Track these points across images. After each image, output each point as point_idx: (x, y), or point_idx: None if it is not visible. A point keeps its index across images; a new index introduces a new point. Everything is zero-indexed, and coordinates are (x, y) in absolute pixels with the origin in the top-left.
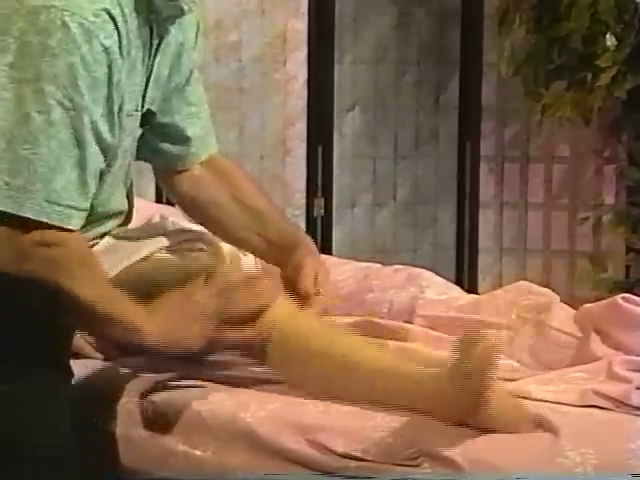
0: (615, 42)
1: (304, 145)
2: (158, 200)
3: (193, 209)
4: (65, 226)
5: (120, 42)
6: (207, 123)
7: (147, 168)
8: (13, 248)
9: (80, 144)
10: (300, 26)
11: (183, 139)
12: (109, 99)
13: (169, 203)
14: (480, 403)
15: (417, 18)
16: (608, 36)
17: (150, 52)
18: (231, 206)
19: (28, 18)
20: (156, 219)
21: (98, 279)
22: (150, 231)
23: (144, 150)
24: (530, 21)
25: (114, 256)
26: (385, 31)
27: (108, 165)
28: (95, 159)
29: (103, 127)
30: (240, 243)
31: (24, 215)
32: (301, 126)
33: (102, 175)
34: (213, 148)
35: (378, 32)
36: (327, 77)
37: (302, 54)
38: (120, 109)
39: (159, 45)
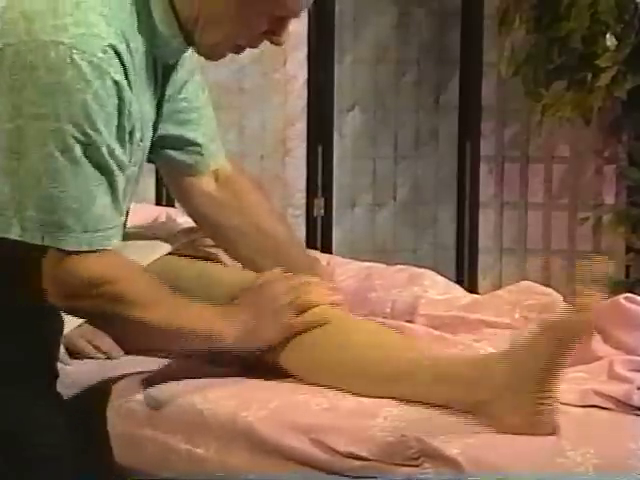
0: (615, 42)
1: (304, 145)
2: (158, 201)
3: (207, 228)
4: (107, 248)
5: (127, 76)
6: (211, 131)
7: (147, 169)
8: (63, 285)
9: (104, 171)
10: (300, 26)
11: (183, 144)
12: (120, 128)
13: (169, 205)
14: (547, 386)
15: (417, 18)
16: (608, 36)
17: (157, 82)
18: (247, 230)
19: (38, 53)
20: (162, 219)
21: (158, 297)
22: (159, 231)
23: (150, 156)
24: (530, 21)
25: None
26: (385, 31)
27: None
28: (120, 180)
29: (120, 154)
30: (254, 267)
31: (65, 249)
32: (301, 126)
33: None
34: (220, 158)
35: (378, 32)
36: (327, 77)
37: (302, 54)
38: (130, 138)
39: (165, 73)
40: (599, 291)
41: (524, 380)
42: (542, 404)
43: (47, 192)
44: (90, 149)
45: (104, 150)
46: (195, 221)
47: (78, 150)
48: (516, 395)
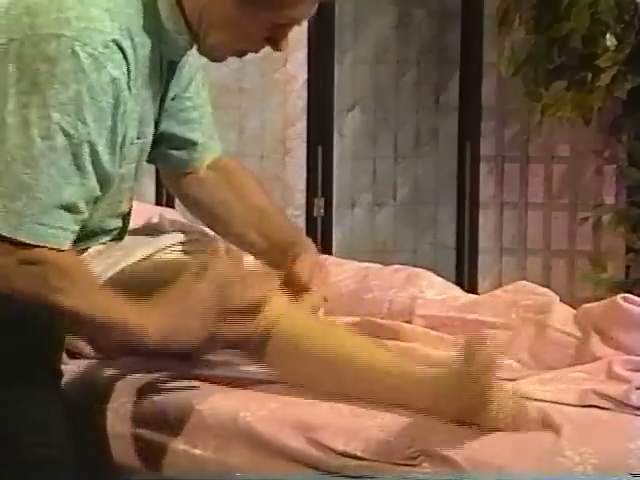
0: (615, 42)
1: (304, 145)
2: (158, 202)
3: (197, 209)
4: (58, 247)
5: (128, 73)
6: (210, 127)
7: (147, 169)
8: (0, 267)
9: (79, 172)
10: (300, 26)
11: (184, 145)
12: (113, 131)
13: (169, 205)
14: (483, 403)
15: (417, 18)
16: (608, 36)
17: (161, 78)
18: (233, 204)
19: (39, 45)
20: (155, 219)
21: (91, 288)
22: (149, 232)
23: (149, 155)
24: (530, 21)
25: (111, 257)
26: (385, 31)
27: (102, 190)
28: (92, 187)
29: (104, 157)
30: (241, 241)
31: (18, 238)
32: (301, 126)
33: (95, 199)
34: (217, 151)
35: (378, 32)
36: (327, 77)
37: (302, 54)
38: (123, 140)
39: (170, 70)
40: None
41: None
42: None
43: (17, 178)
44: (73, 142)
45: (86, 146)
46: (185, 204)
47: (60, 140)
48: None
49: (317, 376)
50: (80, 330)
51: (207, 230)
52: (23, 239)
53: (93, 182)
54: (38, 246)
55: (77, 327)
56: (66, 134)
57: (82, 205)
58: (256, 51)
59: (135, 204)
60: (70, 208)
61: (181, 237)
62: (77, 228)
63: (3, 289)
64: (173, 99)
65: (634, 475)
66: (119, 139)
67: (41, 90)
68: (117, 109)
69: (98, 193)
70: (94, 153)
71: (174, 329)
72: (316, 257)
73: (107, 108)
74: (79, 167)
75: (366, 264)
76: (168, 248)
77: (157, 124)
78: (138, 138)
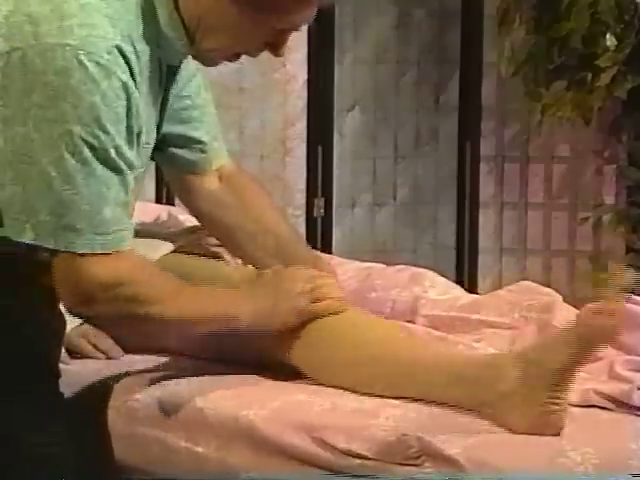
0: (615, 42)
1: (304, 145)
2: (158, 200)
3: (210, 226)
4: (120, 249)
5: (133, 77)
6: (214, 128)
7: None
8: (78, 290)
9: (115, 172)
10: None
11: (187, 143)
12: (129, 129)
13: (169, 203)
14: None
15: (417, 18)
16: (608, 36)
17: (161, 83)
18: (250, 228)
19: (45, 56)
20: (164, 217)
21: (175, 291)
22: (160, 229)
23: (154, 154)
24: (530, 21)
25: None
26: (385, 31)
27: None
28: (129, 181)
29: (129, 154)
30: (257, 264)
31: (77, 252)
32: (301, 126)
33: None
34: (223, 156)
35: (378, 32)
36: (327, 77)
37: (302, 54)
38: (138, 138)
39: (169, 74)
40: (618, 297)
41: (537, 381)
42: (552, 405)
43: (59, 195)
44: (99, 150)
45: (113, 151)
46: (198, 220)
47: (87, 152)
48: (527, 396)
49: (365, 373)
50: (175, 334)
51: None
52: (83, 251)
53: (129, 176)
54: (103, 254)
55: (174, 331)
56: (90, 146)
57: (126, 198)
58: (254, 55)
59: (139, 203)
60: (118, 205)
61: (170, 247)
62: (132, 222)
63: (81, 312)
64: (171, 99)
65: (635, 475)
66: (134, 138)
67: (58, 105)
68: (130, 111)
69: (133, 185)
70: (120, 154)
71: (266, 313)
72: (338, 285)
73: (122, 111)
74: (113, 168)
75: (368, 264)
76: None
77: (159, 128)
78: (147, 143)
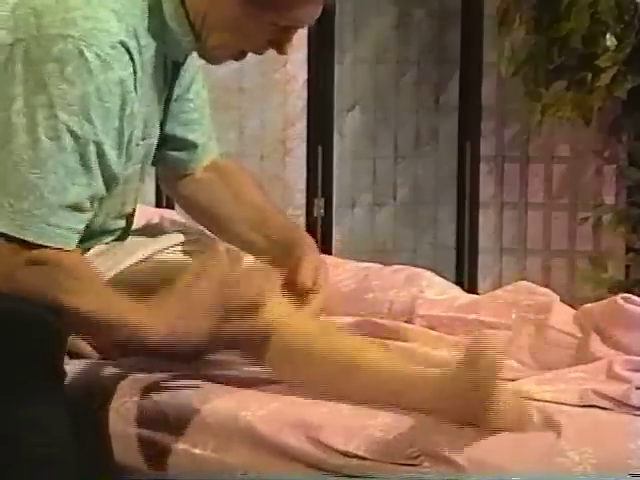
0: (615, 42)
1: (304, 145)
2: (158, 203)
3: (195, 211)
4: (64, 247)
5: (135, 74)
6: (209, 128)
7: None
8: (6, 267)
9: (86, 172)
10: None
11: (185, 146)
12: (119, 131)
13: (169, 206)
14: (486, 405)
15: (417, 18)
16: (608, 36)
17: (166, 79)
18: (232, 204)
19: (46, 46)
20: (155, 220)
21: (95, 288)
22: (149, 233)
23: None
24: (530, 21)
25: (112, 258)
26: (385, 31)
27: (107, 190)
28: (98, 187)
29: (110, 157)
30: (241, 241)
31: (25, 238)
32: (301, 126)
33: (101, 199)
34: (214, 152)
35: (378, 32)
36: (327, 77)
37: (302, 54)
38: (129, 140)
39: (174, 71)
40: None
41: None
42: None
43: (25, 178)
44: (80, 142)
45: (93, 147)
46: (183, 206)
47: (67, 139)
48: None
49: (318, 378)
50: (84, 329)
51: (206, 231)
52: (30, 239)
53: (99, 182)
54: (45, 246)
55: (81, 326)
56: (73, 134)
57: (88, 205)
58: (259, 53)
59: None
60: (76, 208)
61: (181, 237)
62: (82, 228)
63: (10, 289)
64: (175, 100)
65: (634, 475)
66: (125, 139)
67: (48, 90)
68: (124, 110)
69: (104, 193)
70: (101, 153)
71: (177, 329)
72: (318, 256)
73: (114, 109)
74: (86, 167)
75: (366, 264)
76: (170, 248)
77: (162, 125)
78: (143, 139)
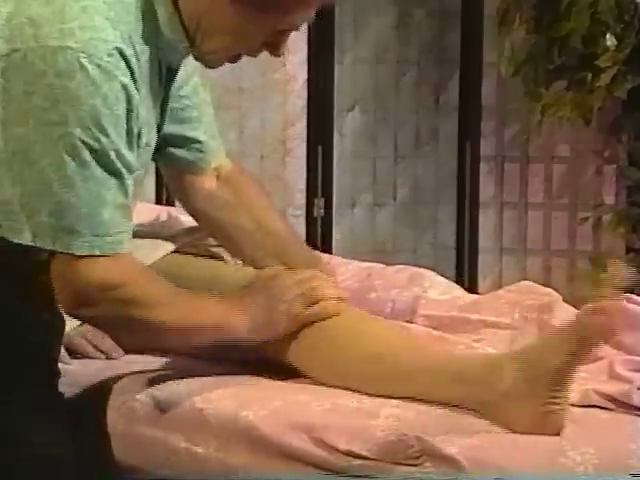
0: (615, 42)
1: (304, 145)
2: (158, 200)
3: (209, 226)
4: (119, 252)
5: (133, 79)
6: (212, 128)
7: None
8: (76, 292)
9: (114, 175)
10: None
11: (185, 142)
12: (129, 131)
13: (169, 204)
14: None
15: (417, 18)
16: (608, 36)
17: (161, 84)
18: (249, 228)
19: (46, 59)
20: (163, 217)
21: (172, 297)
22: (160, 230)
23: (155, 157)
24: (530, 21)
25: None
26: (385, 31)
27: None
28: (128, 184)
29: (129, 157)
30: (256, 264)
31: (76, 254)
32: (301, 126)
33: None
34: (221, 155)
35: (378, 32)
36: (327, 77)
37: (302, 54)
38: (138, 139)
39: (169, 75)
40: (617, 295)
41: (536, 380)
42: (552, 404)
43: (58, 197)
44: (99, 153)
45: (113, 154)
46: (196, 219)
47: (87, 154)
48: (527, 395)
49: (365, 373)
50: (172, 340)
51: None
52: (81, 253)
53: (128, 179)
54: (102, 257)
55: (170, 337)
56: (90, 148)
57: (126, 200)
58: (254, 56)
59: (139, 204)
60: (117, 208)
61: (170, 247)
62: (131, 225)
63: (78, 314)
64: (170, 99)
65: (635, 475)
66: (134, 140)
67: (58, 107)
68: (130, 113)
69: (132, 189)
70: (120, 156)
71: (260, 321)
72: (335, 285)
73: (122, 114)
74: (112, 171)
75: (368, 264)
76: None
77: (159, 130)
78: (147, 145)
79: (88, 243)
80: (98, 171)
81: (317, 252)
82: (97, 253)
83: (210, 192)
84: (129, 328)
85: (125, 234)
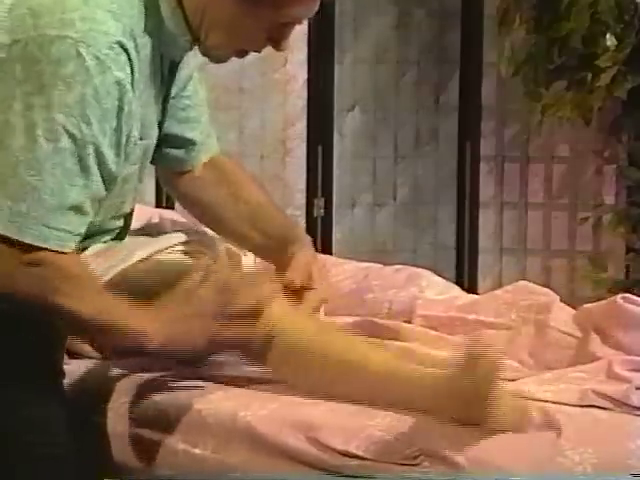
0: (615, 42)
1: (304, 145)
2: (158, 202)
3: (195, 209)
4: (61, 250)
5: (132, 74)
6: (207, 126)
7: (147, 170)
8: (4, 268)
9: (84, 173)
10: (300, 26)
11: (183, 144)
12: (117, 130)
13: (169, 206)
14: (485, 405)
15: (417, 18)
16: (608, 36)
17: (163, 79)
18: (230, 202)
19: (43, 47)
20: (155, 220)
21: (93, 292)
22: (149, 232)
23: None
24: (530, 21)
25: (111, 257)
26: (385, 31)
27: (106, 190)
28: (97, 188)
29: (109, 157)
30: (238, 238)
31: (23, 240)
32: (301, 126)
33: (100, 200)
34: (214, 150)
35: (378, 32)
36: (327, 77)
37: (302, 54)
38: (127, 140)
39: (171, 70)
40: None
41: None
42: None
43: (22, 180)
44: (77, 143)
45: (91, 148)
46: (182, 204)
47: (65, 141)
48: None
49: (317, 379)
50: (81, 332)
51: (207, 230)
52: (28, 241)
53: (98, 183)
54: (42, 248)
55: (78, 329)
56: (70, 136)
57: (87, 206)
58: (258, 51)
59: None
60: (75, 210)
61: (181, 238)
62: (82, 230)
63: (6, 289)
64: (173, 98)
65: (634, 475)
66: (123, 140)
67: (46, 92)
68: (121, 110)
69: (103, 194)
70: (99, 154)
71: (176, 334)
72: (313, 254)
73: (111, 109)
74: (84, 168)
75: (366, 264)
76: (169, 248)
77: (160, 125)
78: (141, 139)
79: (38, 232)
80: (69, 162)
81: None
82: (41, 244)
83: (194, 175)
84: (43, 308)
85: (72, 236)
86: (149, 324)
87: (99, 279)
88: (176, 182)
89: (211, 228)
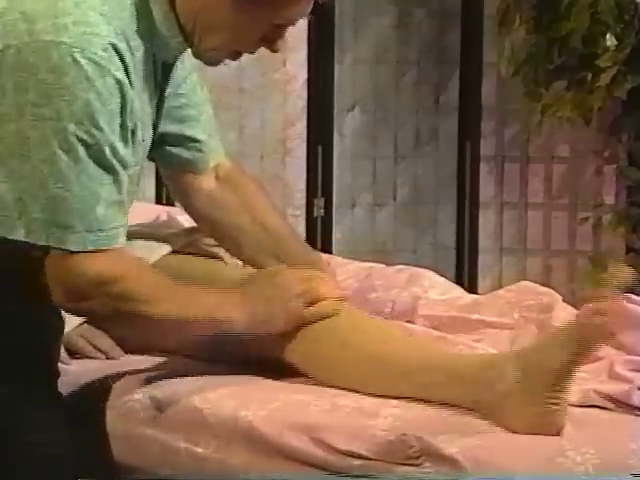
0: (615, 42)
1: (304, 145)
2: (158, 200)
3: (208, 227)
4: (113, 246)
5: (128, 74)
6: (210, 127)
7: (147, 169)
8: (70, 287)
9: (107, 171)
10: (300, 26)
11: (183, 141)
12: (123, 126)
13: (169, 204)
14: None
15: (417, 18)
16: (608, 36)
17: (156, 80)
18: (253, 232)
19: (39, 54)
20: (163, 217)
21: (168, 290)
22: (159, 230)
23: (151, 153)
24: (530, 21)
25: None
26: (385, 31)
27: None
28: (123, 180)
29: (123, 152)
30: (257, 265)
31: (69, 249)
32: (301, 126)
33: None
34: (220, 154)
35: (378, 32)
36: (327, 77)
37: (302, 54)
38: (133, 135)
39: (165, 71)
40: (617, 296)
41: (536, 381)
42: (552, 405)
43: (51, 192)
44: (93, 148)
45: (107, 149)
46: (195, 220)
47: (81, 149)
48: (527, 396)
49: (365, 373)
50: (170, 333)
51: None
52: (74, 248)
53: (123, 175)
54: (95, 251)
55: (168, 331)
56: (84, 144)
57: (120, 196)
58: (252, 52)
59: (139, 203)
60: (111, 204)
61: (168, 248)
62: (127, 220)
63: (72, 309)
64: (167, 97)
65: (636, 475)
66: (129, 135)
67: (52, 102)
68: (125, 107)
69: (127, 184)
70: (115, 152)
71: (260, 316)
72: (335, 286)
73: (116, 109)
74: (106, 167)
75: (369, 264)
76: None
77: (155, 127)
78: (142, 140)
79: (81, 238)
80: (92, 167)
81: (318, 252)
82: (90, 249)
83: (210, 192)
84: (126, 322)
85: (120, 229)
86: (233, 309)
87: (167, 276)
88: (190, 197)
89: (225, 247)
